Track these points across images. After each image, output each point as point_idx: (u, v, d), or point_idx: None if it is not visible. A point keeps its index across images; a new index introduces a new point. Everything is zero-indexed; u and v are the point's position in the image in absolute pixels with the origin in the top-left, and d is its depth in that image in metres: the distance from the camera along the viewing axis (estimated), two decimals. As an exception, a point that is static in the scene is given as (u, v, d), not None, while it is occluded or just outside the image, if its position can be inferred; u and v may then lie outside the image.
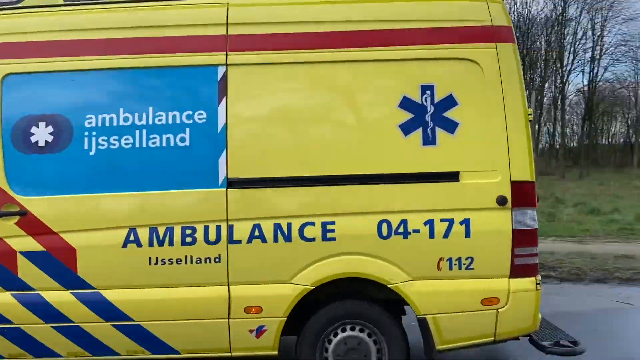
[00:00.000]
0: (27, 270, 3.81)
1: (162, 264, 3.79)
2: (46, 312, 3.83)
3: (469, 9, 3.95)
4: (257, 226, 3.80)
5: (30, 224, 3.80)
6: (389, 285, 3.80)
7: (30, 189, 3.84)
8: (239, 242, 3.77)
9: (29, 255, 3.80)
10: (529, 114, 3.84)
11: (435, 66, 3.91)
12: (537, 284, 3.82)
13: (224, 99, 3.85)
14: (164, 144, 3.86)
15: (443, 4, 3.99)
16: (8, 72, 3.92)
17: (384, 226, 3.81)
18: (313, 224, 3.77)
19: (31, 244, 3.79)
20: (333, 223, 3.77)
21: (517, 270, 3.80)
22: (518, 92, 3.84)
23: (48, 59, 3.94)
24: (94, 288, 3.82)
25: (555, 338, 4.16)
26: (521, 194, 3.82)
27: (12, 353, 3.86)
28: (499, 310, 3.80)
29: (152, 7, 4.01)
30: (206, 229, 3.77)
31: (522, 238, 3.81)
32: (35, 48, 3.99)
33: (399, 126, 3.84)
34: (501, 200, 3.77)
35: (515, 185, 3.79)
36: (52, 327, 3.84)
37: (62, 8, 4.03)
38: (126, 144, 3.87)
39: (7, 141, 3.85)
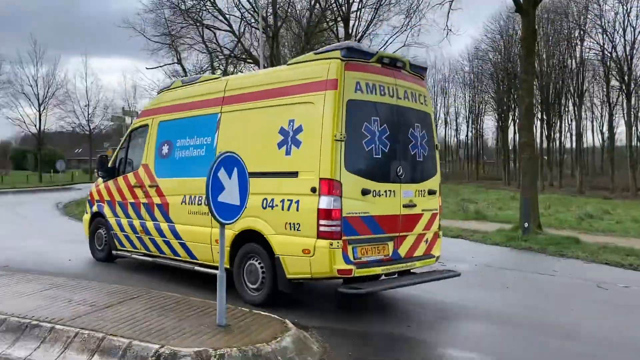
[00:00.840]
0: (156, 212, 8.27)
1: (192, 214, 7.63)
2: (161, 232, 8.18)
3: (316, 69, 6.40)
4: None
5: (159, 191, 8.30)
6: (264, 236, 6.57)
7: (160, 174, 8.36)
8: None
9: (157, 205, 8.28)
10: (334, 134, 6.03)
11: (296, 107, 6.51)
12: (330, 244, 5.97)
13: (218, 130, 7.48)
14: (197, 154, 7.76)
15: (304, 69, 6.62)
16: (160, 120, 8.63)
17: (264, 201, 6.62)
18: None
19: (158, 200, 8.28)
20: None
21: (321, 235, 6.06)
22: (330, 121, 6.08)
23: (168, 113, 8.50)
24: (173, 223, 7.98)
25: (363, 287, 6.15)
26: (324, 186, 6.06)
27: (150, 252, 8.51)
28: (310, 258, 6.13)
29: (193, 84, 8.38)
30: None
31: (323, 214, 6.04)
32: (166, 109, 8.59)
33: (277, 144, 6.60)
34: (313, 189, 6.15)
35: (321, 180, 6.08)
36: (162, 240, 8.19)
37: (179, 88, 8.61)
38: (187, 154, 7.93)
39: (157, 153, 8.49)
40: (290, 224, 6.30)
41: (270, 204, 6.51)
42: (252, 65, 34.60)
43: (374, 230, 6.34)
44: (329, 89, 6.12)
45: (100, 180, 9.74)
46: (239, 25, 32.96)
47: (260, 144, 6.74)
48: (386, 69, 6.63)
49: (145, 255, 8.65)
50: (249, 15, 31.79)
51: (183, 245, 7.77)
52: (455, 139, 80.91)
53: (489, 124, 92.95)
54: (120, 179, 9.16)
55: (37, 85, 49.27)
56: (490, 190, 43.18)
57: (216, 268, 6.39)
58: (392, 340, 5.68)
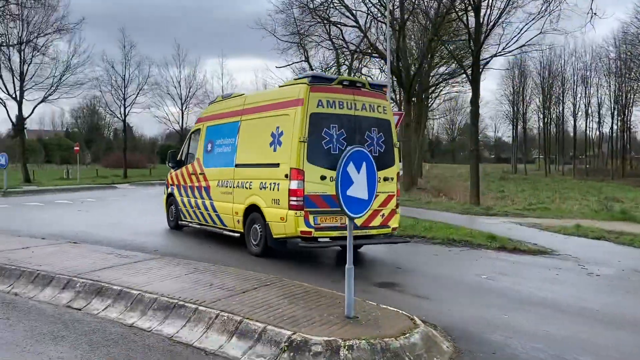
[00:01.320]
0: (203, 193, 11.47)
1: (224, 193, 10.67)
2: (206, 207, 11.38)
3: (293, 91, 8.99)
4: (239, 182, 10.18)
5: (204, 177, 11.54)
6: (261, 208, 9.38)
7: (206, 165, 11.57)
8: (235, 187, 10.27)
9: (204, 187, 11.48)
10: (299, 137, 8.58)
11: (280, 118, 9.15)
12: (296, 213, 8.53)
13: (238, 134, 10.49)
14: (226, 150, 10.85)
15: (286, 91, 9.39)
16: (207, 125, 11.92)
17: (261, 184, 9.47)
18: (250, 182, 9.86)
19: (205, 184, 11.46)
20: (251, 182, 9.80)
21: (290, 207, 8.63)
22: (298, 128, 8.63)
23: (212, 120, 11.76)
24: (212, 200, 11.13)
25: (317, 244, 8.85)
26: (292, 173, 8.63)
27: (200, 222, 11.73)
28: (284, 223, 8.75)
29: (228, 99, 11.63)
30: (230, 182, 10.46)
31: (292, 193, 8.59)
32: (211, 117, 11.89)
33: (269, 144, 9.35)
34: (286, 176, 8.75)
35: (291, 169, 8.66)
36: (207, 212, 11.34)
37: (219, 101, 12.04)
38: (220, 150, 11.10)
39: (205, 149, 11.74)
40: (274, 199, 9.05)
41: (264, 186, 9.34)
42: (377, 59, 34.58)
43: (331, 205, 8.63)
44: (298, 106, 8.70)
45: (172, 169, 13.21)
46: (365, 20, 33.14)
47: (260, 143, 9.53)
48: (346, 89, 9.04)
49: (197, 224, 11.81)
50: (376, 10, 31.83)
51: (218, 216, 10.87)
52: (598, 132, 74.34)
53: (639, 115, 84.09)
54: (183, 168, 12.53)
55: (180, 86, 53.32)
56: (639, 189, 39.13)
57: (235, 232, 10.23)
58: (523, 348, 5.39)
